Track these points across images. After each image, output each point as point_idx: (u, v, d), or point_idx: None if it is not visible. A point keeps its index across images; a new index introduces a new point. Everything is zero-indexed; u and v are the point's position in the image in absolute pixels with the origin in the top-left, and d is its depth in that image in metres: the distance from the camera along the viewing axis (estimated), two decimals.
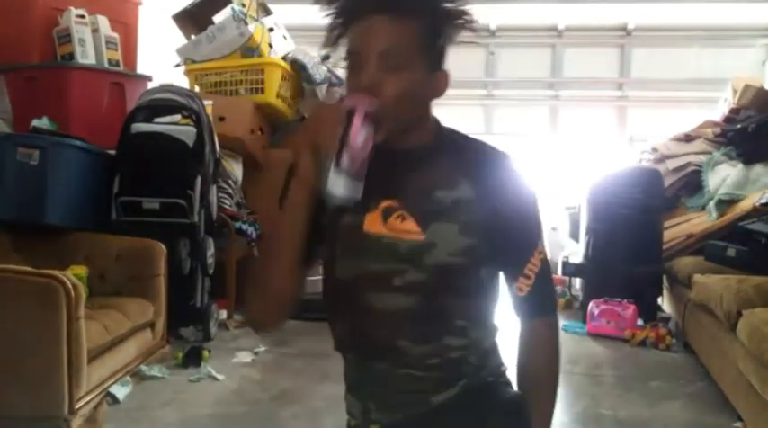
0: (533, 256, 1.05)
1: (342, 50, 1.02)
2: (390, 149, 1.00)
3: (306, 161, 0.99)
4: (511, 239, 1.04)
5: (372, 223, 1.02)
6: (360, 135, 0.93)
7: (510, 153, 1.08)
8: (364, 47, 0.99)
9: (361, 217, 1.03)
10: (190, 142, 3.36)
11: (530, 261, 1.05)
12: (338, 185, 0.93)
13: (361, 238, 1.03)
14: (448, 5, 1.00)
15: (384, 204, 1.02)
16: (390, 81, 0.97)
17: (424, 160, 1.04)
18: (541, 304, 1.08)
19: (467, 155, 1.05)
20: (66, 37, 3.53)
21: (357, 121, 0.93)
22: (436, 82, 1.02)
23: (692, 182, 4.34)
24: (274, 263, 1.04)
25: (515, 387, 1.09)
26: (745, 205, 3.75)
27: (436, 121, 1.08)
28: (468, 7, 1.02)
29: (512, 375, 1.10)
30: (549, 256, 1.09)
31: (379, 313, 1.03)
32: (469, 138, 1.08)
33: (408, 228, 1.01)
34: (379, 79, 0.97)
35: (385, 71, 0.97)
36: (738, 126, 4.32)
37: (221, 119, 3.91)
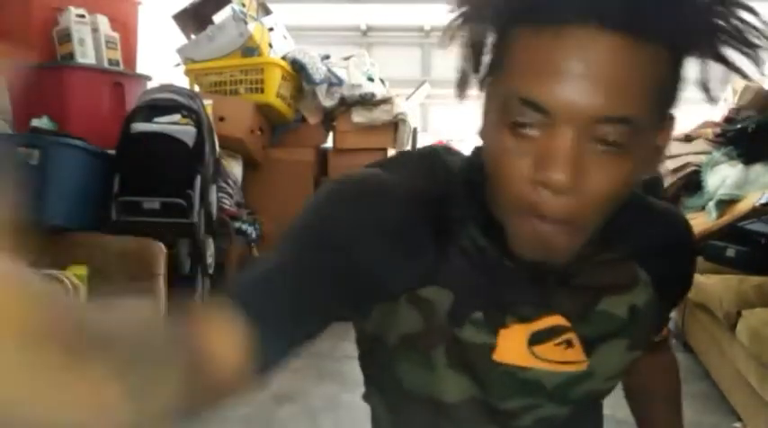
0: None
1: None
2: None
3: None
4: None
5: (510, 349, 0.66)
6: None
7: (676, 210, 0.79)
8: (556, 97, 0.52)
9: (493, 337, 0.66)
10: (190, 142, 3.36)
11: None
12: None
13: (487, 364, 0.67)
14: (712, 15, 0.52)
15: (542, 323, 0.66)
16: (597, 176, 0.54)
17: (590, 258, 0.67)
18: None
19: (640, 237, 0.70)
20: (66, 37, 3.53)
21: None
22: (662, 141, 0.63)
23: (692, 183, 4.33)
24: None
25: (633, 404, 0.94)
26: (745, 205, 3.75)
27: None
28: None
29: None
30: None
31: None
32: (641, 209, 0.71)
33: (572, 358, 0.68)
34: (579, 174, 0.53)
35: (590, 153, 0.53)
36: (738, 126, 4.32)
37: (221, 119, 3.91)
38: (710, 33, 0.52)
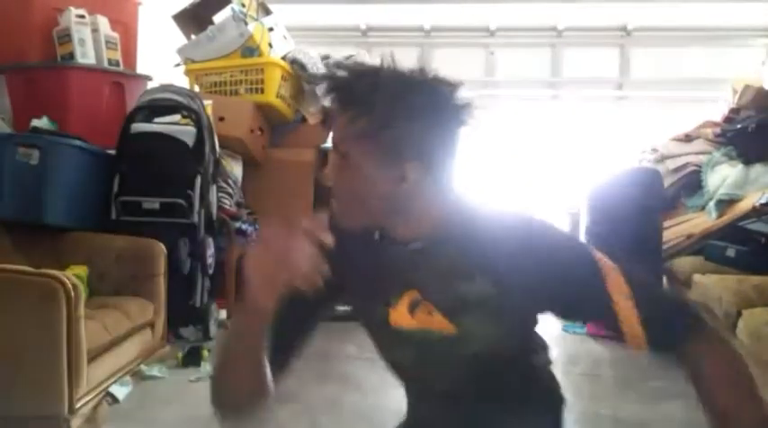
0: (616, 306, 0.91)
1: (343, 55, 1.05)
2: (392, 240, 0.97)
3: (263, 300, 0.85)
4: (576, 301, 0.95)
5: (400, 317, 0.99)
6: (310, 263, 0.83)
7: (524, 216, 0.99)
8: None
9: (384, 311, 1.00)
10: (190, 142, 3.36)
11: (618, 313, 0.91)
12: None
13: (391, 333, 1.01)
14: (394, 96, 0.90)
15: (407, 296, 0.98)
16: (340, 179, 0.95)
17: (433, 249, 0.96)
18: (672, 329, 0.94)
19: (482, 246, 0.94)
20: (66, 37, 3.53)
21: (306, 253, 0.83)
22: (393, 179, 0.92)
23: (692, 182, 4.34)
24: (236, 378, 0.98)
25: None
26: (745, 205, 3.75)
27: (443, 209, 0.97)
28: (433, 88, 0.93)
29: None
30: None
31: (426, 391, 1.08)
32: (483, 223, 0.97)
33: (438, 322, 0.97)
34: (334, 175, 0.95)
35: (338, 167, 0.94)
36: (738, 126, 4.32)
37: (221, 119, 3.91)
38: (395, 108, 0.91)
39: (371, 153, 0.91)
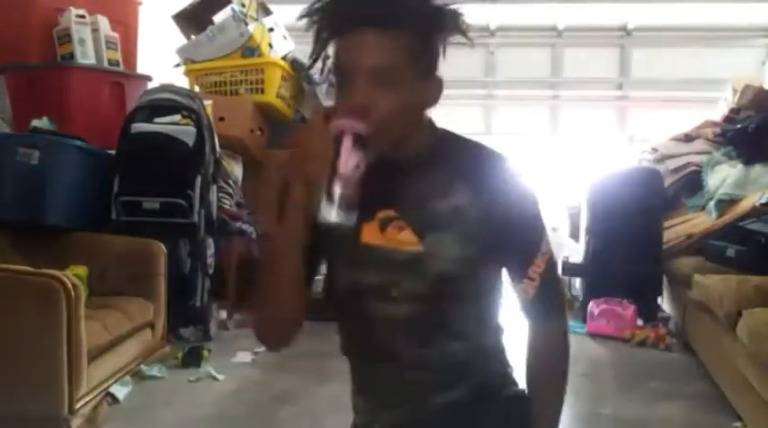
0: (537, 258, 1.02)
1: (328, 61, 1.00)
2: (385, 158, 0.97)
3: (297, 191, 0.95)
4: (512, 243, 1.01)
5: (370, 234, 1.01)
6: (350, 162, 0.90)
7: (508, 155, 1.05)
8: (352, 64, 0.94)
9: (358, 227, 1.00)
10: (190, 142, 3.36)
11: (534, 263, 1.01)
12: (331, 214, 0.91)
13: (359, 249, 1.02)
14: (437, 11, 0.97)
15: (381, 214, 1.00)
16: (382, 99, 0.93)
17: (420, 168, 1.01)
18: (549, 310, 1.05)
19: (463, 159, 1.02)
20: (67, 37, 3.54)
21: (346, 149, 0.91)
22: (429, 90, 1.00)
23: (692, 182, 4.33)
24: (279, 289, 1.02)
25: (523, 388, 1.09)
26: (745, 205, 3.75)
27: (431, 127, 1.04)
28: (460, 7, 0.98)
29: (519, 376, 1.10)
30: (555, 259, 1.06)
31: (379, 320, 1.03)
32: (466, 142, 1.05)
33: (406, 239, 0.99)
34: (371, 98, 0.93)
35: (376, 88, 0.94)
36: (738, 126, 4.32)
37: (221, 119, 3.91)
38: (437, 22, 0.97)
39: (418, 66, 0.96)
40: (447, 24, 0.98)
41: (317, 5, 0.97)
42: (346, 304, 1.07)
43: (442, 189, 0.99)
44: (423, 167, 1.01)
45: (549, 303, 1.05)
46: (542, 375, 1.07)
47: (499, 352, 1.10)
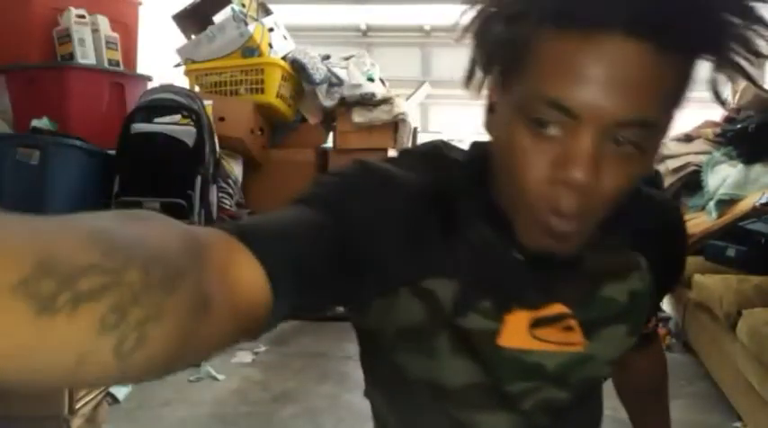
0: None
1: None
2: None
3: None
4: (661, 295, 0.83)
5: (514, 334, 0.69)
6: None
7: (672, 200, 0.83)
8: (587, 102, 0.53)
9: (498, 323, 0.69)
10: (190, 142, 3.36)
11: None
12: None
13: (492, 350, 0.69)
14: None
15: (543, 311, 0.69)
16: (613, 175, 0.56)
17: (591, 245, 0.67)
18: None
19: (635, 222, 0.71)
20: (66, 37, 3.53)
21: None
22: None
23: (692, 182, 4.34)
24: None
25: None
26: (745, 205, 3.75)
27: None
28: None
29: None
30: None
31: None
32: (637, 195, 0.68)
33: (571, 339, 0.70)
34: (598, 176, 0.56)
35: (608, 153, 0.56)
36: (738, 126, 4.32)
37: (221, 119, 3.91)
38: (727, 43, 0.54)
39: (668, 119, 0.60)
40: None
41: None
42: (434, 404, 0.73)
43: (614, 269, 0.71)
44: (590, 245, 0.66)
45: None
46: (655, 377, 1.00)
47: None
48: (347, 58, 4.75)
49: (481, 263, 0.67)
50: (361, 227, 0.60)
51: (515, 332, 0.69)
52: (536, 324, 0.69)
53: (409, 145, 4.50)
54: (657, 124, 0.57)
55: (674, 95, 0.57)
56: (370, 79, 4.57)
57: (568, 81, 0.53)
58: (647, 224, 0.72)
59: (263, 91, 4.21)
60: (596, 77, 0.52)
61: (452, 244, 0.66)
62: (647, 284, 0.73)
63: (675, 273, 0.80)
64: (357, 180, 0.66)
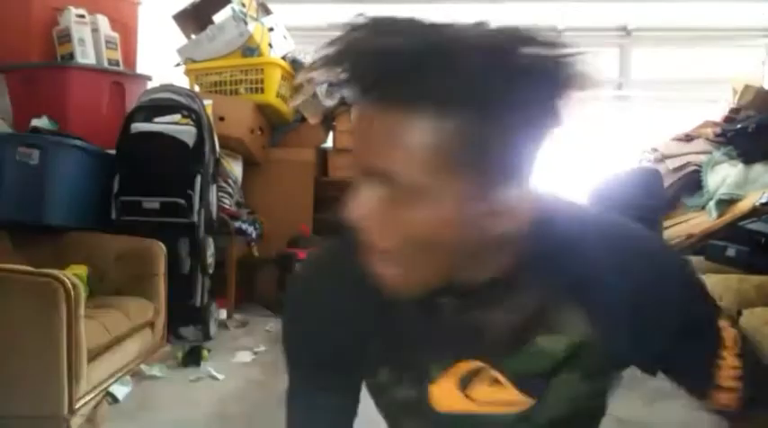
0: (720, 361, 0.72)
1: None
2: (454, 288, 0.65)
3: None
4: (677, 353, 0.74)
5: (446, 397, 0.69)
6: None
7: (646, 234, 0.74)
8: (358, 159, 0.61)
9: (421, 388, 0.70)
10: (190, 142, 3.36)
11: (717, 369, 0.72)
12: None
13: (430, 419, 0.71)
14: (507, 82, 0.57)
15: (463, 367, 0.68)
16: (393, 221, 0.61)
17: (507, 293, 0.66)
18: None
19: (573, 271, 0.66)
20: (66, 37, 3.53)
21: None
22: (490, 200, 0.59)
23: (692, 182, 4.33)
24: None
25: None
26: (745, 205, 3.75)
27: (525, 226, 0.62)
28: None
29: None
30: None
31: None
32: (572, 236, 0.67)
33: (509, 399, 0.69)
34: (376, 217, 0.61)
35: (386, 203, 0.60)
36: (738, 126, 4.32)
37: (221, 119, 3.91)
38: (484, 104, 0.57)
39: (461, 178, 0.58)
40: (516, 104, 0.58)
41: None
42: None
43: (545, 320, 0.67)
44: (509, 292, 0.66)
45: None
46: None
47: None
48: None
49: (396, 337, 0.71)
50: (334, 342, 0.74)
51: (447, 395, 0.70)
52: (464, 383, 0.69)
53: None
54: (414, 178, 0.58)
55: (448, 145, 0.57)
56: None
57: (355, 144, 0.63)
58: (585, 276, 0.67)
59: (262, 91, 4.21)
60: (364, 140, 0.61)
61: (377, 321, 0.72)
62: (594, 334, 0.68)
63: (663, 316, 0.70)
64: (303, 306, 0.77)
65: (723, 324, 0.73)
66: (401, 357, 0.71)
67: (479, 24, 0.66)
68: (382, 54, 0.57)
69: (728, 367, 0.71)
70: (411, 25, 0.62)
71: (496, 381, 0.69)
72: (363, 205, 0.61)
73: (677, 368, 0.76)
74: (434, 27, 0.63)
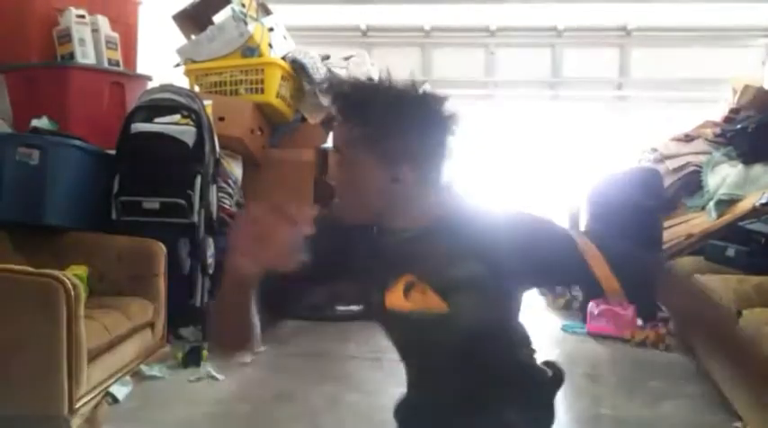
0: (590, 266, 1.04)
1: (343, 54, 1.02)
2: (394, 230, 1.10)
3: (244, 270, 0.92)
4: (556, 269, 1.09)
5: (395, 299, 1.10)
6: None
7: (513, 210, 1.12)
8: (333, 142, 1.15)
9: (381, 295, 1.11)
10: (190, 142, 3.36)
11: (592, 273, 1.04)
12: None
13: (387, 315, 1.12)
14: (391, 111, 1.06)
15: (403, 280, 1.09)
16: (341, 176, 1.10)
17: (427, 240, 1.09)
18: (642, 279, 1.09)
19: (470, 234, 1.07)
20: (67, 37, 3.53)
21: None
22: (392, 177, 1.07)
23: (692, 182, 4.33)
24: (226, 325, 1.05)
25: None
26: (745, 205, 3.75)
27: (434, 203, 1.11)
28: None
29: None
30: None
31: (424, 374, 1.19)
32: (471, 213, 1.11)
33: (431, 302, 1.08)
34: (336, 173, 1.10)
35: (339, 167, 1.10)
36: (738, 126, 4.32)
37: (221, 119, 3.91)
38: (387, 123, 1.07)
39: (368, 157, 1.06)
40: (399, 123, 1.07)
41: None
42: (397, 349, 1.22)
43: (455, 253, 1.06)
44: (431, 236, 1.09)
45: (633, 268, 1.08)
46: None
47: (530, 357, 1.21)
48: (347, 58, 4.75)
49: (365, 260, 1.13)
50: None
51: (394, 298, 1.10)
52: (407, 290, 1.09)
53: None
54: (346, 153, 1.09)
55: (358, 139, 1.07)
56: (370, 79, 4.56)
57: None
58: (478, 237, 1.06)
59: (263, 91, 4.21)
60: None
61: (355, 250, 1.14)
62: (486, 271, 1.04)
63: (523, 252, 1.03)
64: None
65: (580, 240, 1.07)
66: (371, 273, 1.12)
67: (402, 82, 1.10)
68: (339, 95, 1.10)
69: (599, 270, 1.04)
70: (358, 80, 1.16)
71: (425, 292, 1.07)
72: (332, 166, 1.14)
73: (564, 277, 1.25)
74: (369, 82, 1.14)
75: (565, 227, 1.14)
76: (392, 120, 1.05)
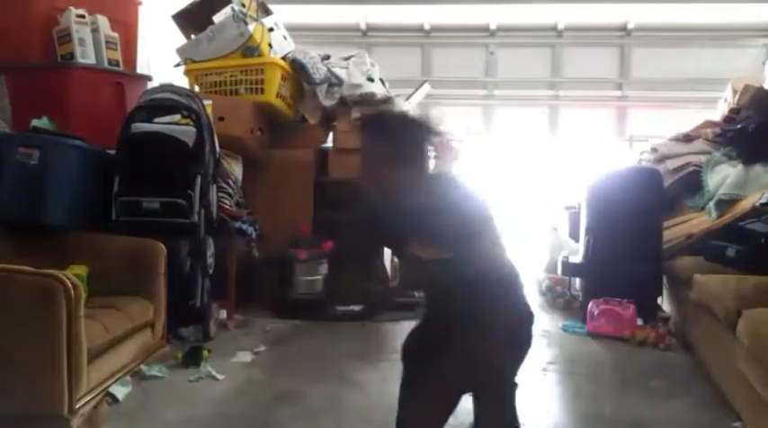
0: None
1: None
2: (404, 205, 1.66)
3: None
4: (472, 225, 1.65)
5: (413, 247, 1.63)
6: None
7: (455, 175, 1.88)
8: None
9: (402, 244, 1.67)
10: (190, 142, 3.36)
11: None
12: None
13: (410, 258, 1.68)
14: (404, 135, 1.68)
15: (413, 237, 1.62)
16: (369, 172, 1.71)
17: (422, 210, 1.61)
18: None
19: (444, 205, 1.63)
20: (67, 37, 3.54)
21: None
22: (403, 173, 1.67)
23: (692, 182, 4.33)
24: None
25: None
26: (745, 205, 3.75)
27: (426, 186, 1.68)
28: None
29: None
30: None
31: (431, 298, 1.80)
32: (437, 182, 1.73)
33: (431, 251, 1.60)
34: (365, 171, 1.71)
35: (368, 166, 1.70)
36: (738, 126, 4.32)
37: (221, 119, 3.91)
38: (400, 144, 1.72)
39: (390, 162, 1.66)
40: (409, 142, 1.69)
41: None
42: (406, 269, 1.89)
43: (436, 214, 1.59)
44: (426, 208, 1.62)
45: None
46: None
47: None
48: (347, 58, 4.75)
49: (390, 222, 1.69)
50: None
51: (413, 247, 1.62)
52: (419, 244, 1.61)
53: None
54: (374, 159, 1.70)
55: (383, 152, 1.68)
56: (370, 79, 4.57)
57: None
58: (441, 192, 1.76)
59: (263, 91, 4.21)
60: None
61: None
62: (447, 222, 1.60)
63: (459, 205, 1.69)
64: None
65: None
66: (395, 231, 1.65)
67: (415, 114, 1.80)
68: (367, 123, 1.81)
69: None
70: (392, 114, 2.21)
71: (425, 247, 1.59)
72: (359, 166, 1.71)
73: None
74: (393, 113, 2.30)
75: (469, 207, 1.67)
76: (400, 139, 1.67)
